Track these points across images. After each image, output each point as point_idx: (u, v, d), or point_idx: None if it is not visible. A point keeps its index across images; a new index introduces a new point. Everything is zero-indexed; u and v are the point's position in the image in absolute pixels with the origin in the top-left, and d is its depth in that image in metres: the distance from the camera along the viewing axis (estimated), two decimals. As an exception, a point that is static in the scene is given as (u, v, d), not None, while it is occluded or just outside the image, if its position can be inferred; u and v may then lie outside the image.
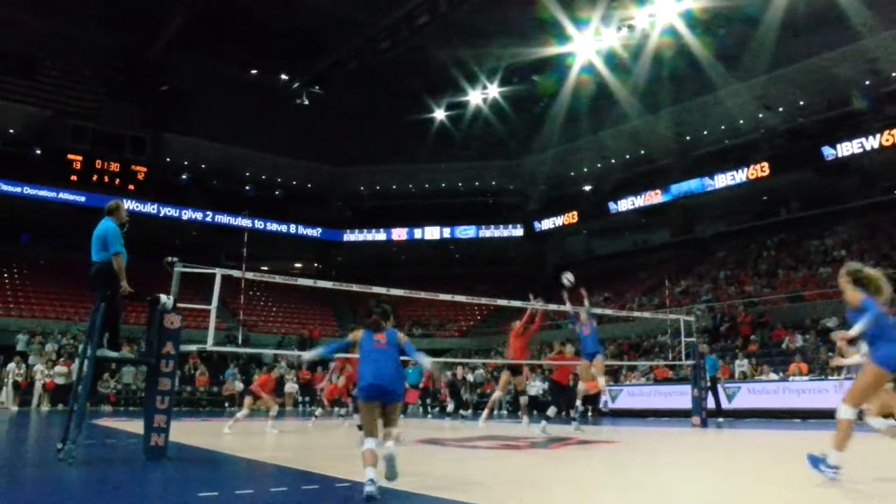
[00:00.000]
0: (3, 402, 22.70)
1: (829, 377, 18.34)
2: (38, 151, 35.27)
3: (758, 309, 26.07)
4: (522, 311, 14.03)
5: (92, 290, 8.27)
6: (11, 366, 23.15)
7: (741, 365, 21.32)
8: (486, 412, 13.26)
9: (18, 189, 33.06)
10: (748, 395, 18.76)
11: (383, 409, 5.83)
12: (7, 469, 7.57)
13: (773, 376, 19.65)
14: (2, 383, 23.06)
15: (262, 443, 11.31)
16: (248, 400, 14.11)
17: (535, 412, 21.19)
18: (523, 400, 13.27)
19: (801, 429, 14.40)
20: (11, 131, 34.60)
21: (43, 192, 33.58)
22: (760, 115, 33.29)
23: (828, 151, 29.20)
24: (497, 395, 13.24)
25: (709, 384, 16.70)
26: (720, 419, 16.38)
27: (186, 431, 12.40)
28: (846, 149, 28.62)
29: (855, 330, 5.44)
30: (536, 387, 24.58)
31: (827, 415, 16.62)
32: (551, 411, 13.70)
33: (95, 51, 35.63)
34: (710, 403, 16.76)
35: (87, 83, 36.67)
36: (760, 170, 31.50)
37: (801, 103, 31.97)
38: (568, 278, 12.73)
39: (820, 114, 31.49)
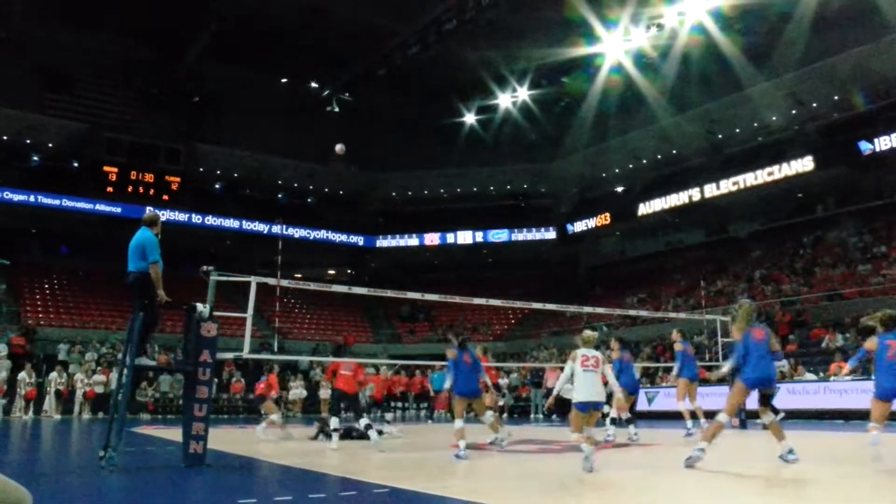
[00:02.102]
0: (47, 410, 23.11)
1: (873, 377, 17.94)
2: (76, 164, 35.90)
3: (796, 308, 25.66)
4: (557, 314, 14.03)
5: (131, 299, 8.39)
6: (53, 374, 23.56)
7: (780, 365, 20.94)
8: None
9: (57, 202, 33.66)
10: (788, 396, 18.41)
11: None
12: (52, 476, 7.71)
13: (809, 376, 19.30)
14: (45, 392, 23.49)
15: (299, 449, 11.38)
16: (269, 405, 14.21)
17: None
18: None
19: (843, 430, 14.14)
20: (51, 145, 35.26)
21: (80, 204, 34.14)
22: (794, 112, 32.77)
23: (865, 146, 28.65)
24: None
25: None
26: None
27: (224, 439, 12.52)
28: (884, 143, 28.04)
29: (560, 382, 8.06)
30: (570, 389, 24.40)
31: (868, 416, 16.36)
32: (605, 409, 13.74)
33: (129, 64, 36.17)
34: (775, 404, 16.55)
35: (122, 96, 37.24)
36: (795, 166, 31.00)
37: (836, 98, 31.38)
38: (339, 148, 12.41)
39: (856, 108, 30.87)
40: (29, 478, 6.86)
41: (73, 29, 32.82)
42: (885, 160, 28.61)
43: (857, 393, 17.42)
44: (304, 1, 30.35)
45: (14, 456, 10.63)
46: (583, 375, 7.52)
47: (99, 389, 23.82)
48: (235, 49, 33.68)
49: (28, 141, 34.79)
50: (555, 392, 8.41)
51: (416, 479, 7.03)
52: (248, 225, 38.37)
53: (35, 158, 35.35)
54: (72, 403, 23.71)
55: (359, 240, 42.26)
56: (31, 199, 33.17)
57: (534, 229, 42.05)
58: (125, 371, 8.08)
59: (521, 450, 10.74)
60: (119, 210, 34.02)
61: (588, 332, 8.13)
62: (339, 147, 12.18)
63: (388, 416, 18.31)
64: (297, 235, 39.10)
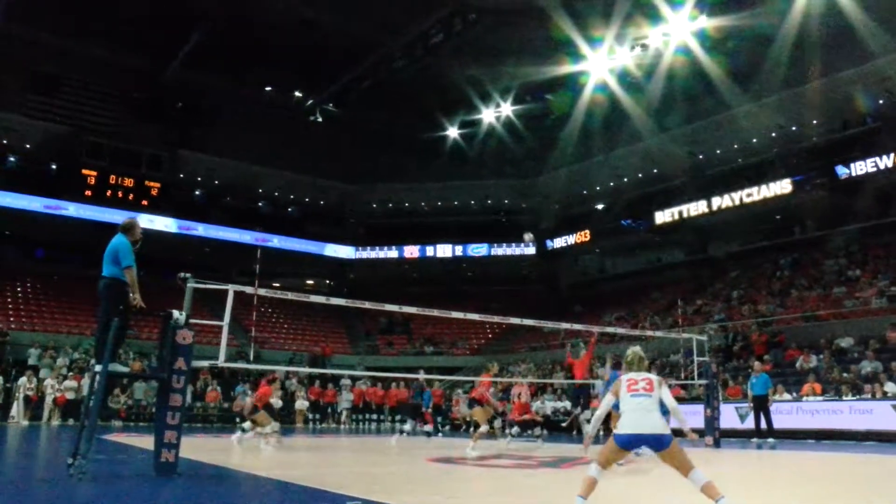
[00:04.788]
0: (14, 416, 22.72)
1: (844, 398, 18.16)
2: (54, 167, 35.51)
3: (771, 328, 25.87)
4: (535, 329, 14.15)
5: (102, 303, 8.28)
6: (23, 380, 23.19)
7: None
8: None
9: (33, 204, 33.22)
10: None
11: None
12: (18, 484, 7.57)
13: (786, 396, 19.47)
14: (13, 397, 23.10)
15: (273, 460, 11.28)
16: (260, 415, 13.92)
17: (544, 430, 21.10)
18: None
19: (815, 450, 14.23)
20: (28, 146, 34.89)
21: (57, 208, 33.72)
22: (774, 135, 33.18)
23: (842, 170, 29.05)
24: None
25: (751, 404, 16.64)
26: (771, 440, 16.05)
27: (197, 447, 12.38)
28: (860, 168, 28.47)
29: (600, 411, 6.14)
30: (547, 406, 24.54)
31: (841, 436, 16.55)
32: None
33: (115, 70, 35.86)
34: (747, 424, 16.70)
35: (107, 101, 36.94)
36: (773, 188, 31.35)
37: (815, 122, 31.84)
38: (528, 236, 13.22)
39: (834, 133, 31.36)
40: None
41: (59, 32, 32.54)
42: (860, 185, 29.03)
43: (828, 414, 17.63)
44: (290, 12, 30.33)
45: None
46: (630, 401, 5.61)
47: (70, 395, 23.50)
48: (221, 58, 33.54)
49: (5, 142, 34.41)
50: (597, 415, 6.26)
51: (390, 493, 6.98)
52: (228, 233, 38.12)
53: (11, 159, 34.91)
54: (41, 409, 23.35)
55: (339, 251, 42.13)
56: (6, 200, 32.70)
57: (514, 244, 42.08)
58: (98, 377, 7.97)
59: (496, 464, 10.71)
60: (97, 215, 33.64)
61: (630, 351, 6.08)
62: (528, 235, 13.00)
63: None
64: (277, 245, 38.94)
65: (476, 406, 13.56)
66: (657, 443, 5.38)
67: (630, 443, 5.50)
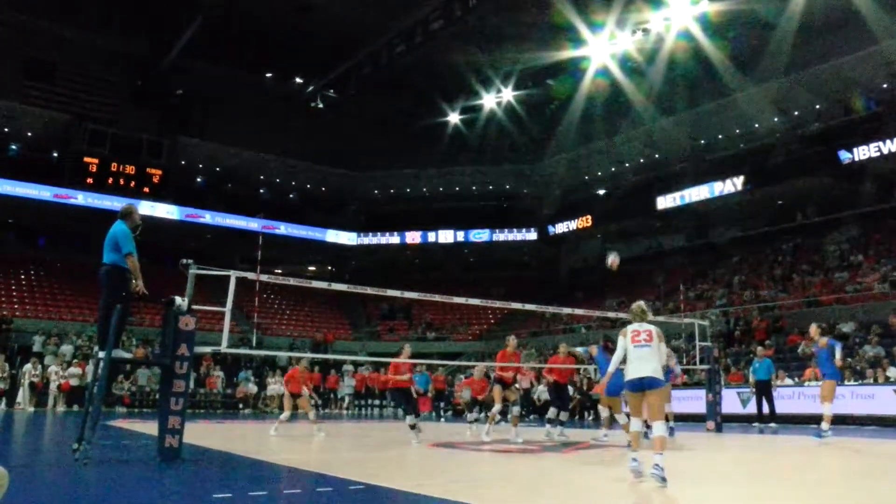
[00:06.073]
0: (20, 402, 22.84)
1: (846, 383, 18.18)
2: (56, 155, 35.48)
3: (773, 314, 25.88)
4: (536, 315, 14.03)
5: (103, 290, 8.29)
6: (28, 367, 23.31)
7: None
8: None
9: (35, 192, 33.20)
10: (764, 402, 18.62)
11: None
12: (24, 469, 7.62)
13: (788, 381, 19.51)
14: (18, 384, 23.20)
15: (277, 445, 11.33)
16: (287, 401, 13.89)
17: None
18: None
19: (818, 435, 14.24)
20: (30, 134, 34.84)
21: (59, 195, 33.68)
22: (776, 119, 33.05)
23: (844, 155, 28.93)
24: None
25: (753, 389, 16.75)
26: (773, 424, 16.09)
27: (200, 433, 12.44)
28: (863, 153, 28.33)
29: (614, 363, 7.50)
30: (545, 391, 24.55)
31: (842, 420, 16.58)
32: (552, 413, 13.73)
33: (115, 57, 35.77)
34: (749, 408, 16.72)
35: (107, 88, 36.83)
36: (775, 174, 31.24)
37: (818, 107, 31.70)
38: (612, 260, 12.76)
39: (837, 118, 31.21)
40: None
41: (57, 18, 32.43)
42: (863, 170, 28.92)
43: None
44: (291, -3, 30.24)
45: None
46: (634, 352, 6.98)
47: (74, 382, 23.57)
48: (221, 44, 33.39)
49: (6, 129, 34.35)
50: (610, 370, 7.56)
51: (392, 477, 7.03)
52: (230, 220, 38.08)
53: (13, 147, 34.86)
54: (46, 396, 23.46)
55: (340, 237, 42.12)
56: (8, 188, 32.65)
57: (515, 230, 42.10)
58: (101, 364, 8.01)
59: (498, 449, 10.75)
60: (99, 202, 33.62)
61: (634, 305, 7.53)
62: (613, 259, 12.58)
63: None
64: (278, 232, 38.94)
65: (496, 385, 12.77)
66: (652, 383, 6.78)
67: (636, 385, 6.85)
